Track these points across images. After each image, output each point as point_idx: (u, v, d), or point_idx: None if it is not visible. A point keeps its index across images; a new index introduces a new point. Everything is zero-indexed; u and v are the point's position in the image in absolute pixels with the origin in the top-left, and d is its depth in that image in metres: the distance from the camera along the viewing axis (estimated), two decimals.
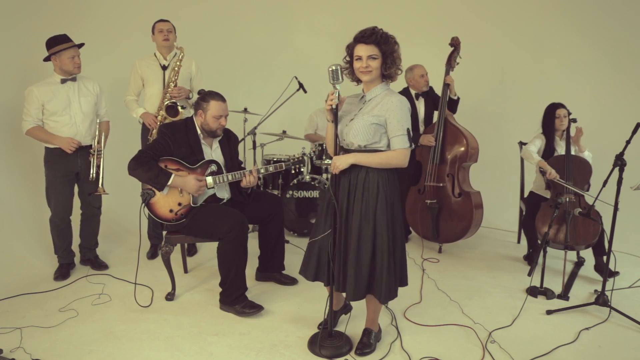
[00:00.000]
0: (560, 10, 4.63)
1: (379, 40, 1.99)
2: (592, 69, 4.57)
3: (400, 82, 3.87)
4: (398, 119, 2.03)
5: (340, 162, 2.08)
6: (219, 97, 2.77)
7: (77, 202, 3.26)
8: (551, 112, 3.41)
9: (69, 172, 3.11)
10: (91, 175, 3.09)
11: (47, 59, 3.02)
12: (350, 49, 2.08)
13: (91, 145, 3.13)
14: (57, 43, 2.97)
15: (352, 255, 2.12)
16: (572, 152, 3.29)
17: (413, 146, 2.12)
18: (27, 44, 3.78)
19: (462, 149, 3.63)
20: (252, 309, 2.62)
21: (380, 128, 2.06)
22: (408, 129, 2.06)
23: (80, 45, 3.07)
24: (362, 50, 2.01)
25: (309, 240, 2.31)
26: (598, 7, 4.49)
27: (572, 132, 3.36)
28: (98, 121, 3.23)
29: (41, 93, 2.97)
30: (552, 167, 3.24)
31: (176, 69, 3.33)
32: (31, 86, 2.99)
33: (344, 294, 2.57)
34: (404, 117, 2.05)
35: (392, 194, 2.14)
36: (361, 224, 2.10)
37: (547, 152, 3.42)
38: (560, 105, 3.40)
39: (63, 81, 3.04)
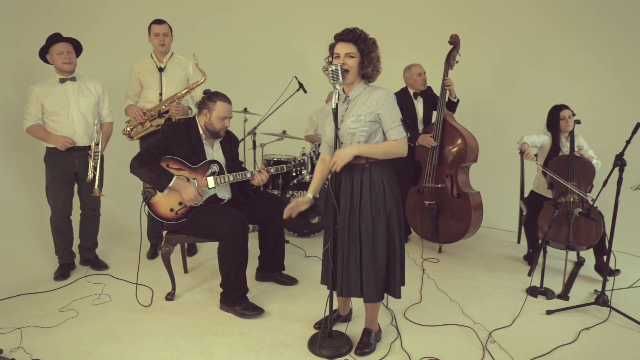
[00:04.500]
0: (559, 11, 4.63)
1: (357, 39, 2.05)
2: (591, 69, 4.57)
3: (397, 83, 3.90)
4: (390, 112, 2.08)
5: (344, 155, 2.05)
6: (226, 99, 2.79)
7: (77, 202, 3.26)
8: (555, 114, 3.40)
9: (67, 172, 3.11)
10: (88, 177, 3.07)
11: (46, 62, 3.04)
12: (331, 47, 2.14)
13: (89, 147, 3.11)
14: (47, 41, 2.98)
15: (367, 257, 2.12)
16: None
17: (408, 134, 2.14)
18: (27, 44, 3.77)
19: (461, 149, 3.60)
20: (252, 311, 2.62)
21: (374, 124, 2.10)
22: (401, 118, 2.11)
23: (69, 40, 3.03)
24: (340, 48, 2.07)
25: (323, 249, 2.32)
26: (596, 8, 4.49)
27: (576, 134, 3.37)
28: (98, 122, 3.17)
29: (40, 92, 3.00)
30: (555, 167, 3.25)
31: (188, 89, 3.35)
32: (32, 85, 3.02)
33: (350, 303, 2.58)
34: (395, 108, 2.10)
35: (397, 189, 2.18)
36: (374, 224, 2.11)
37: (553, 152, 3.41)
38: (564, 107, 3.39)
39: (62, 80, 3.04)
